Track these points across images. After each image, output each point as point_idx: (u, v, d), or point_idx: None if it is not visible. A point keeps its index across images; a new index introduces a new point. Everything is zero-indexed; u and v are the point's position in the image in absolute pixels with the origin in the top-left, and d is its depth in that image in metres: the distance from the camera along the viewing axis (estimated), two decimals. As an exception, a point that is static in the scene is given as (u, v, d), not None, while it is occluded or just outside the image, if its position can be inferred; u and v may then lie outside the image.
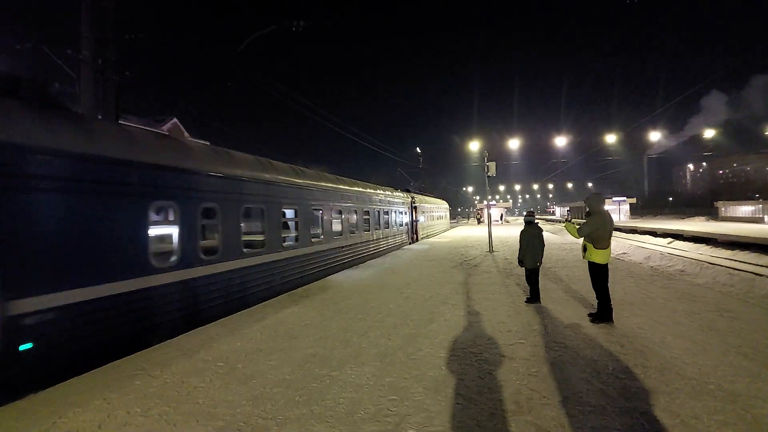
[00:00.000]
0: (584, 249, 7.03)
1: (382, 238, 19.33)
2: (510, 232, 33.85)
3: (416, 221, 27.64)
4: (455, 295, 9.37)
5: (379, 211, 18.87)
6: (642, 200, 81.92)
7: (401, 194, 24.62)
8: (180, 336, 6.67)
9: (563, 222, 8.28)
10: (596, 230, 6.80)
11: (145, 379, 4.93)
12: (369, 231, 17.18)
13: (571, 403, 4.03)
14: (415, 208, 27.37)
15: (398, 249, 21.72)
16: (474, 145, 24.28)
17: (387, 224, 20.31)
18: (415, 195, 28.72)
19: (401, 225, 23.46)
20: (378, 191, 19.08)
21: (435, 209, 37.53)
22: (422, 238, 29.46)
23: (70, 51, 9.63)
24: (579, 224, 7.22)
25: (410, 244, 25.24)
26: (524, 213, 9.30)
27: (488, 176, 19.86)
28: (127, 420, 3.97)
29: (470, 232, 37.02)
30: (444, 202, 46.84)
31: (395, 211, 22.15)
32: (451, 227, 54.61)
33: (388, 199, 20.75)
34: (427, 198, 34.75)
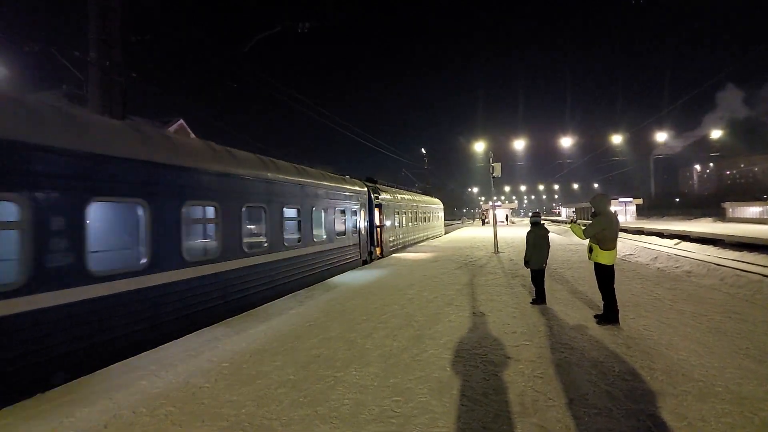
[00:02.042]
0: (590, 250, 6.99)
1: (291, 262, 10.62)
2: (516, 233, 33.74)
3: (381, 226, 19.04)
4: (460, 296, 9.35)
5: (281, 209, 10.17)
6: (648, 201, 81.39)
7: (349, 186, 15.29)
8: (185, 336, 6.71)
9: (569, 223, 8.22)
10: (602, 231, 6.76)
11: (151, 380, 4.96)
12: (242, 249, 8.68)
13: (577, 405, 4.01)
14: (380, 206, 18.83)
15: (327, 282, 11.96)
16: (479, 146, 24.17)
17: (301, 236, 11.24)
18: (381, 187, 20.43)
19: (342, 234, 14.21)
20: (278, 175, 10.23)
21: (421, 209, 29.30)
22: (395, 250, 20.82)
23: (78, 53, 9.70)
24: (585, 225, 7.19)
25: (365, 263, 16.48)
26: (530, 214, 9.26)
27: (493, 177, 19.82)
28: (132, 420, 3.99)
29: (475, 233, 36.88)
30: (437, 200, 38.79)
31: (331, 210, 13.24)
32: (456, 228, 54.45)
33: (308, 189, 11.62)
34: (403, 193, 25.74)
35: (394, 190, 23.50)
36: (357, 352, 5.79)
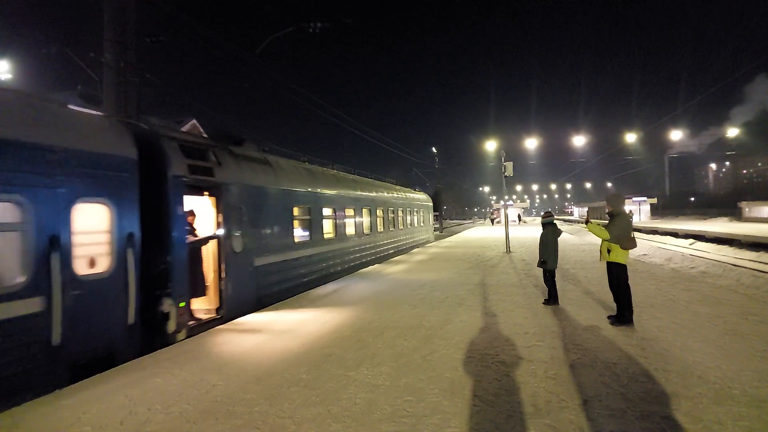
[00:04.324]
0: (608, 251, 6.83)
1: None
2: (528, 232, 33.48)
3: (218, 240, 8.01)
4: (471, 296, 9.31)
5: None
6: (663, 200, 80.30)
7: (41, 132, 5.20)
8: (199, 335, 6.79)
9: (583, 222, 8.01)
10: (624, 231, 6.72)
11: (166, 377, 5.02)
12: None
13: (591, 407, 3.98)
14: (218, 193, 8.05)
15: None
16: (491, 145, 24.02)
17: None
18: (240, 152, 9.35)
19: None
20: None
21: (381, 204, 18.38)
22: (286, 290, 9.96)
23: (93, 54, 9.84)
24: (600, 224, 7.06)
25: (106, 364, 5.58)
26: (542, 213, 9.15)
27: (505, 176, 19.70)
28: (148, 417, 4.05)
29: (485, 233, 36.67)
30: (421, 195, 28.63)
31: None
32: (466, 228, 54.23)
33: None
34: (323, 177, 13.60)
35: (301, 166, 12.58)
36: (369, 352, 5.79)
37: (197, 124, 35.92)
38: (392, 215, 20.04)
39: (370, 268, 14.83)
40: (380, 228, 18.11)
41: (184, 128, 33.14)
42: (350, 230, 14.80)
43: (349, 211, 14.80)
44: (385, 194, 19.52)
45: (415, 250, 21.68)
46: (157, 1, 10.55)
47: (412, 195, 25.52)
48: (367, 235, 16.30)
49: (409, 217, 23.29)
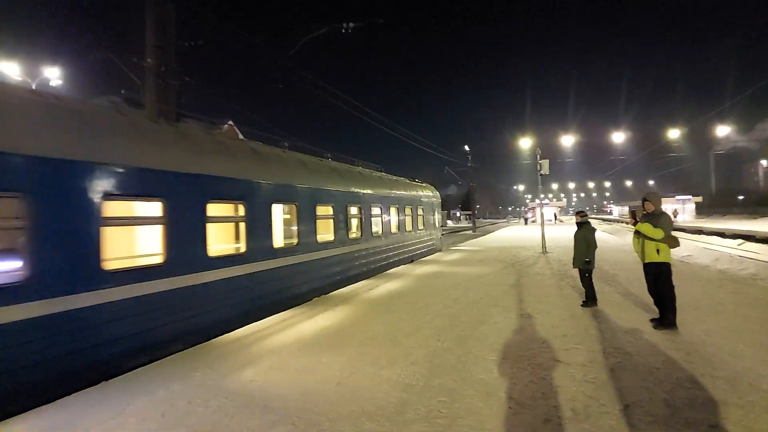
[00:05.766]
0: (657, 251, 6.51)
1: None
2: (564, 232, 32.67)
3: None
4: (506, 297, 9.16)
5: None
6: (709, 199, 76.76)
7: None
8: (236, 331, 6.95)
9: (633, 223, 7.28)
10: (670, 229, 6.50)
11: (205, 371, 5.17)
12: None
13: (632, 412, 3.84)
14: None
15: None
16: (526, 143, 23.56)
17: None
18: None
19: None
20: None
21: (317, 197, 10.19)
22: None
23: (135, 59, 10.23)
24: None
25: None
26: (576, 213, 8.76)
27: (541, 174, 19.29)
28: (188, 410, 4.18)
29: (519, 233, 36.04)
30: (426, 188, 20.44)
31: None
32: (500, 227, 53.38)
33: None
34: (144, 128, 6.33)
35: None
36: (402, 351, 5.79)
37: (234, 126, 36.80)
38: (361, 216, 12.80)
39: (264, 321, 7.64)
40: (330, 236, 10.95)
41: (222, 129, 34.01)
42: (258, 242, 8.07)
43: (260, 211, 8.27)
44: (353, 188, 12.34)
45: (394, 270, 14.52)
46: (195, 8, 10.85)
47: (406, 192, 17.41)
48: (304, 247, 9.56)
49: (399, 219, 15.94)
